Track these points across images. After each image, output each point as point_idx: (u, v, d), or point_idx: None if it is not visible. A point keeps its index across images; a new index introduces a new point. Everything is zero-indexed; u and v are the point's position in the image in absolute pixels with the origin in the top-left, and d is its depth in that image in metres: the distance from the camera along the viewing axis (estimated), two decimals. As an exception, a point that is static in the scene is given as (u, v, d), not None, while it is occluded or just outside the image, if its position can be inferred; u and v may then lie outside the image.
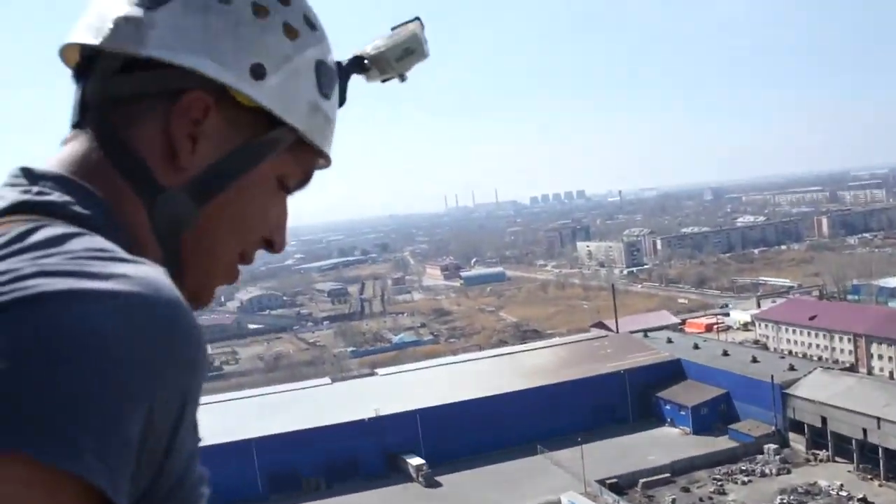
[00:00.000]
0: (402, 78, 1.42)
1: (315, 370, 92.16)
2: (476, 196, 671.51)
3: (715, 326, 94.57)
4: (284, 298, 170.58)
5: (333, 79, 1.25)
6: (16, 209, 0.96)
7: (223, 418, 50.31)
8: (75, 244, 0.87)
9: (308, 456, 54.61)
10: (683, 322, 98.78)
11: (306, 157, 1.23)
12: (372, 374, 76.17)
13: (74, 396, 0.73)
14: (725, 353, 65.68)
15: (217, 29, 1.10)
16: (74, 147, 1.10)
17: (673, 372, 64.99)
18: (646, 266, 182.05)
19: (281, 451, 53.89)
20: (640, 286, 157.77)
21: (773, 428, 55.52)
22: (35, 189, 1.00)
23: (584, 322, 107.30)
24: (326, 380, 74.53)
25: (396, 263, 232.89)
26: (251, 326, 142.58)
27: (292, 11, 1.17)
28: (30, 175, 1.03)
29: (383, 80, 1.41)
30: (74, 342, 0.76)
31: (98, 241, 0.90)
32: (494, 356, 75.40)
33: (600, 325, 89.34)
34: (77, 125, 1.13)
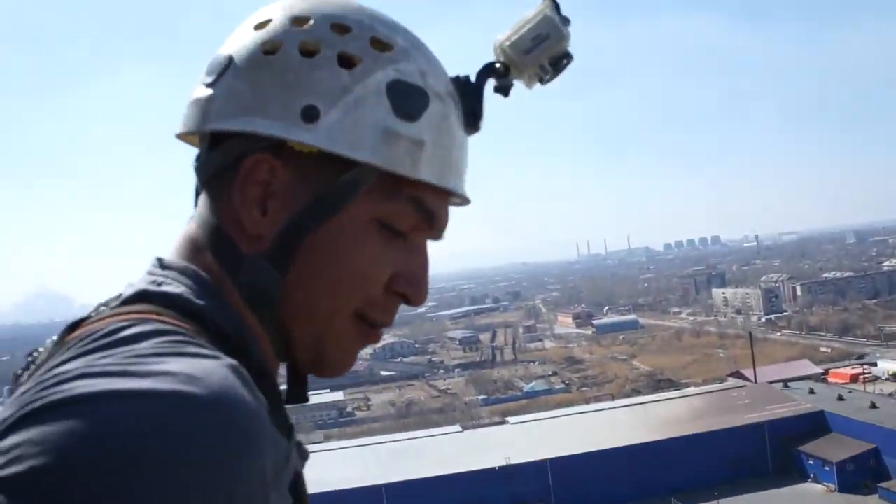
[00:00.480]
0: (548, 72, 1.21)
1: (446, 418, 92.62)
2: (608, 243, 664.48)
3: (861, 377, 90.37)
4: (416, 346, 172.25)
5: (420, 97, 1.08)
6: (137, 299, 0.99)
7: (354, 464, 51.30)
8: (145, 344, 0.86)
9: (437, 503, 54.80)
10: (826, 372, 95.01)
11: (409, 190, 1.09)
12: (503, 423, 75.95)
13: (84, 499, 0.71)
14: (873, 406, 62.40)
15: (264, 83, 1.05)
16: (188, 228, 1.12)
17: (816, 425, 62.14)
18: (785, 313, 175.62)
19: (410, 498, 54.19)
20: (779, 334, 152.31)
21: (928, 486, 52.33)
22: (159, 279, 1.02)
23: (721, 371, 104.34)
24: (457, 427, 74.82)
25: (528, 311, 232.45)
26: (383, 373, 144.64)
27: (353, 39, 1.07)
28: (161, 264, 1.06)
29: (541, 81, 1.22)
30: (93, 444, 0.73)
31: (169, 339, 0.87)
32: (627, 405, 74.05)
33: (737, 375, 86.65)
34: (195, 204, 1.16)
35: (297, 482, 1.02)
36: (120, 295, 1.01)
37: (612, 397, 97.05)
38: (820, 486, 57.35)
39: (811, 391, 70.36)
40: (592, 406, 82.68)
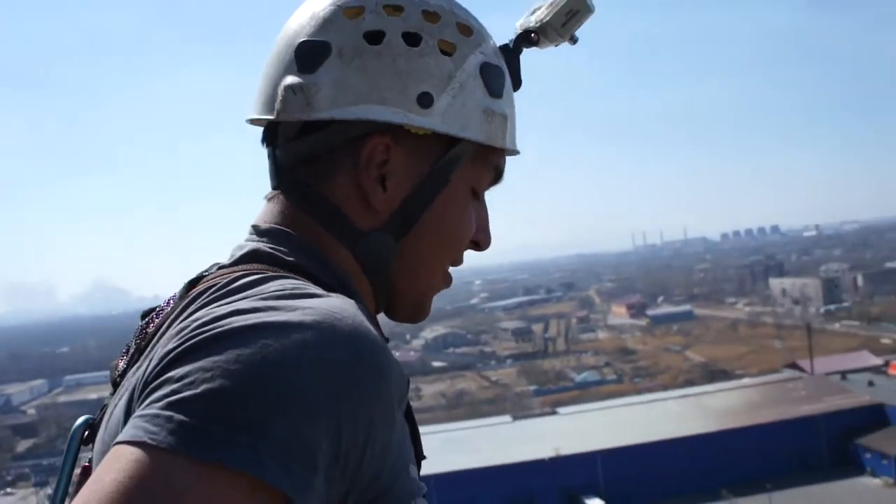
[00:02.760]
0: (574, 40, 1.39)
1: (497, 408, 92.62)
2: (664, 233, 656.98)
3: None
4: (468, 337, 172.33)
5: (501, 75, 1.26)
6: (250, 257, 1.14)
7: (404, 454, 51.28)
8: (271, 286, 0.99)
9: (487, 493, 54.76)
10: (887, 364, 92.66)
11: (493, 158, 1.28)
12: (553, 413, 75.83)
13: (259, 415, 0.81)
14: (935, 399, 61.11)
15: (375, 71, 1.15)
16: (277, 204, 1.23)
17: (874, 417, 60.93)
18: (845, 304, 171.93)
19: (460, 488, 54.19)
20: (838, 325, 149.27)
21: None
22: (263, 240, 1.17)
23: (777, 363, 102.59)
24: (507, 418, 74.77)
25: (581, 302, 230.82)
26: (435, 364, 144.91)
27: (445, 26, 1.20)
28: (257, 230, 1.20)
29: (555, 46, 1.39)
30: (261, 370, 0.83)
31: (291, 282, 1.02)
32: (680, 397, 73.27)
33: (794, 366, 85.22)
34: (276, 186, 1.24)
35: (409, 411, 1.12)
36: (232, 256, 1.17)
37: (665, 388, 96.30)
38: (877, 479, 56.17)
39: (870, 383, 68.99)
40: (644, 397, 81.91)
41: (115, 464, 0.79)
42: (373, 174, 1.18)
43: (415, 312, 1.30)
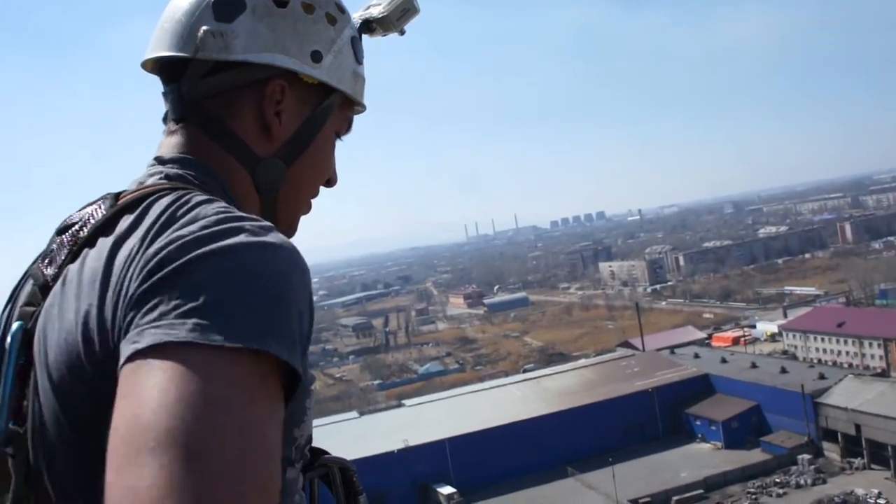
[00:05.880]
0: (402, 32, 1.72)
1: (342, 404, 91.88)
2: (496, 223, 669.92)
3: (742, 339, 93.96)
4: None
5: (361, 47, 1.60)
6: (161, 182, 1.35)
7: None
8: (216, 205, 1.20)
9: (338, 490, 54.25)
10: (710, 337, 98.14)
11: (350, 111, 1.60)
12: (399, 406, 75.98)
13: (268, 311, 1.03)
14: (754, 366, 65.05)
15: (280, 29, 1.44)
16: (183, 135, 1.44)
17: (701, 387, 64.47)
18: (669, 283, 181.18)
19: (310, 488, 53.59)
20: (664, 303, 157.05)
21: (806, 438, 54.64)
22: (171, 167, 1.39)
23: (611, 342, 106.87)
24: (354, 413, 74.31)
25: (419, 295, 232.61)
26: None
27: (329, 3, 1.52)
28: (161, 160, 1.41)
29: (383, 36, 1.71)
30: (254, 281, 1.05)
31: (223, 204, 1.23)
32: (521, 381, 74.80)
33: (626, 345, 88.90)
34: (181, 118, 1.45)
35: None
36: (140, 182, 1.37)
37: (506, 374, 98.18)
38: (708, 444, 59.47)
39: (696, 356, 72.89)
40: (487, 384, 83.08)
41: (155, 372, 0.95)
42: (272, 109, 1.44)
43: (288, 231, 1.53)
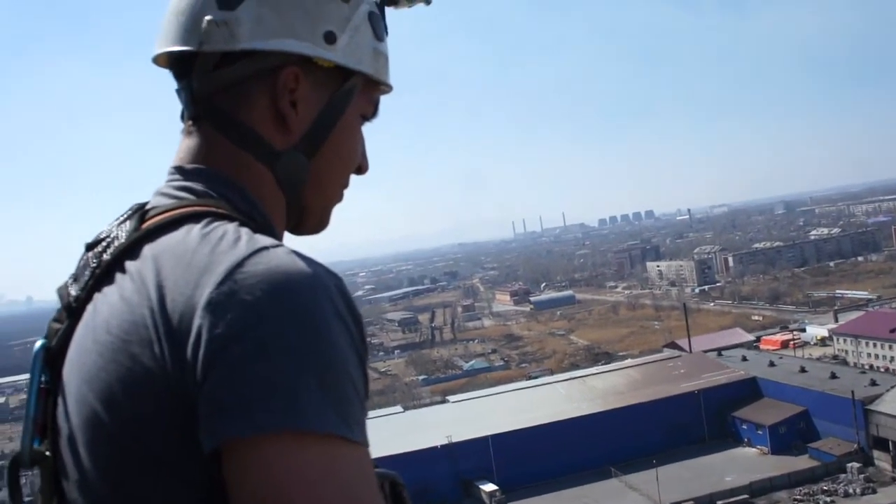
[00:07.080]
0: (428, 2, 1.63)
1: (387, 399, 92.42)
2: (543, 220, 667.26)
3: (791, 343, 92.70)
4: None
5: (381, 22, 1.48)
6: (185, 201, 1.29)
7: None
8: (260, 239, 1.16)
9: (381, 485, 54.66)
10: (758, 339, 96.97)
11: (375, 91, 1.49)
12: (443, 402, 76.27)
13: (333, 393, 1.04)
14: (803, 370, 64.19)
15: (288, 11, 1.33)
16: (199, 137, 1.37)
17: (749, 391, 63.80)
18: (718, 284, 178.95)
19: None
20: (712, 304, 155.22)
21: (856, 446, 53.75)
22: (193, 183, 1.32)
23: (657, 343, 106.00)
24: (398, 408, 74.77)
25: (466, 291, 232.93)
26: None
27: None
28: (182, 171, 1.35)
29: (409, 7, 1.60)
30: (293, 302, 1.05)
31: (246, 230, 1.19)
32: (566, 380, 74.62)
33: (673, 346, 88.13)
34: (193, 116, 1.38)
35: None
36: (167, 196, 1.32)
37: (552, 372, 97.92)
38: (754, 449, 58.76)
39: (744, 358, 72.02)
40: (531, 382, 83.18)
41: (294, 463, 0.98)
42: (286, 98, 1.34)
43: (319, 224, 1.48)
